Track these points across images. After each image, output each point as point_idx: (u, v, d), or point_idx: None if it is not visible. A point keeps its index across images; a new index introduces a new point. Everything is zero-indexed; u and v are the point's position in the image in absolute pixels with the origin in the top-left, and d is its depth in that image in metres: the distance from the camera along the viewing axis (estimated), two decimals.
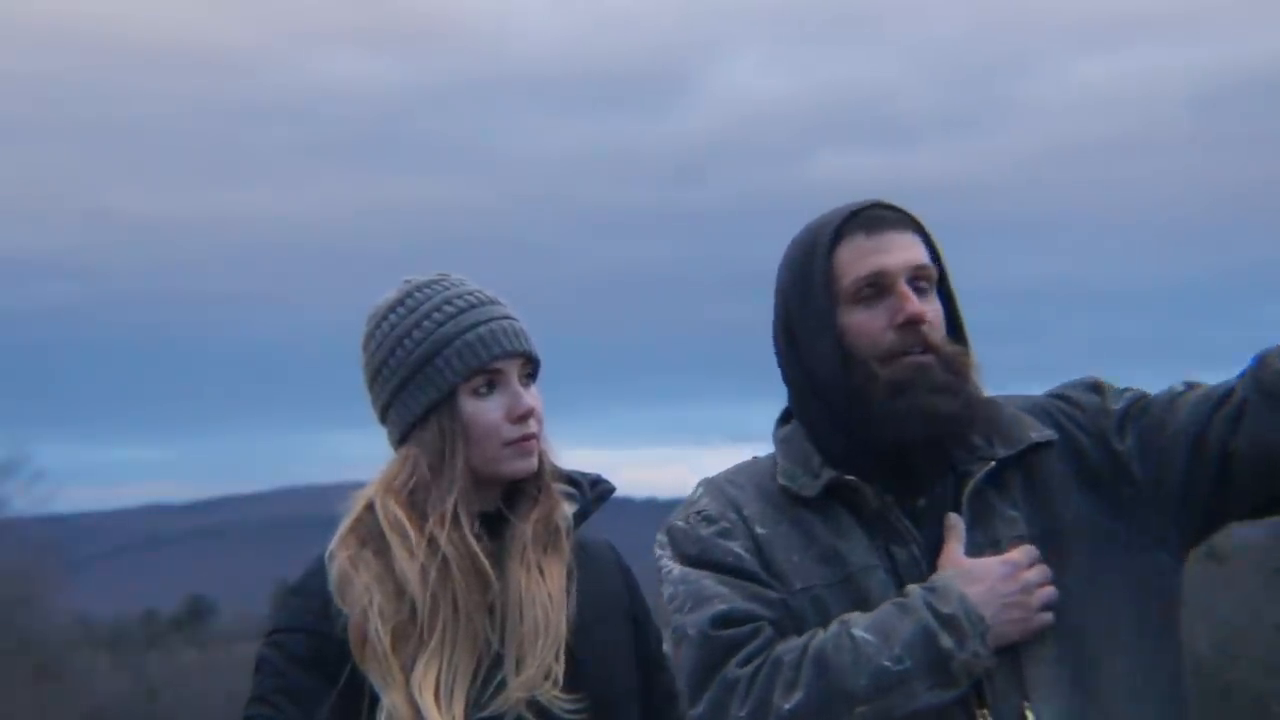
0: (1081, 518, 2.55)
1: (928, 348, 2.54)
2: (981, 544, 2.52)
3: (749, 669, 2.47)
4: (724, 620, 2.50)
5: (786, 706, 2.43)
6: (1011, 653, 2.48)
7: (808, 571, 2.54)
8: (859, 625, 2.47)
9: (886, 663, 2.43)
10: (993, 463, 2.55)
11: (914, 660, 2.43)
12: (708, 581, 2.53)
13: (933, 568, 2.51)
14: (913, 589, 2.49)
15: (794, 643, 2.49)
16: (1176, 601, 2.59)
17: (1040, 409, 2.64)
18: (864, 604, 2.50)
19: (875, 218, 2.59)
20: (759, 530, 2.57)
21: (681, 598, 2.53)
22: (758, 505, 2.59)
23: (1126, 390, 2.64)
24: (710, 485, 2.64)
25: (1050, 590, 2.49)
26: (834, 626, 2.49)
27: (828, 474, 2.55)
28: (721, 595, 2.52)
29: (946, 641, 2.43)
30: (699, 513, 2.60)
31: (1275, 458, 2.48)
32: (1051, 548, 2.52)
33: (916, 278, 2.57)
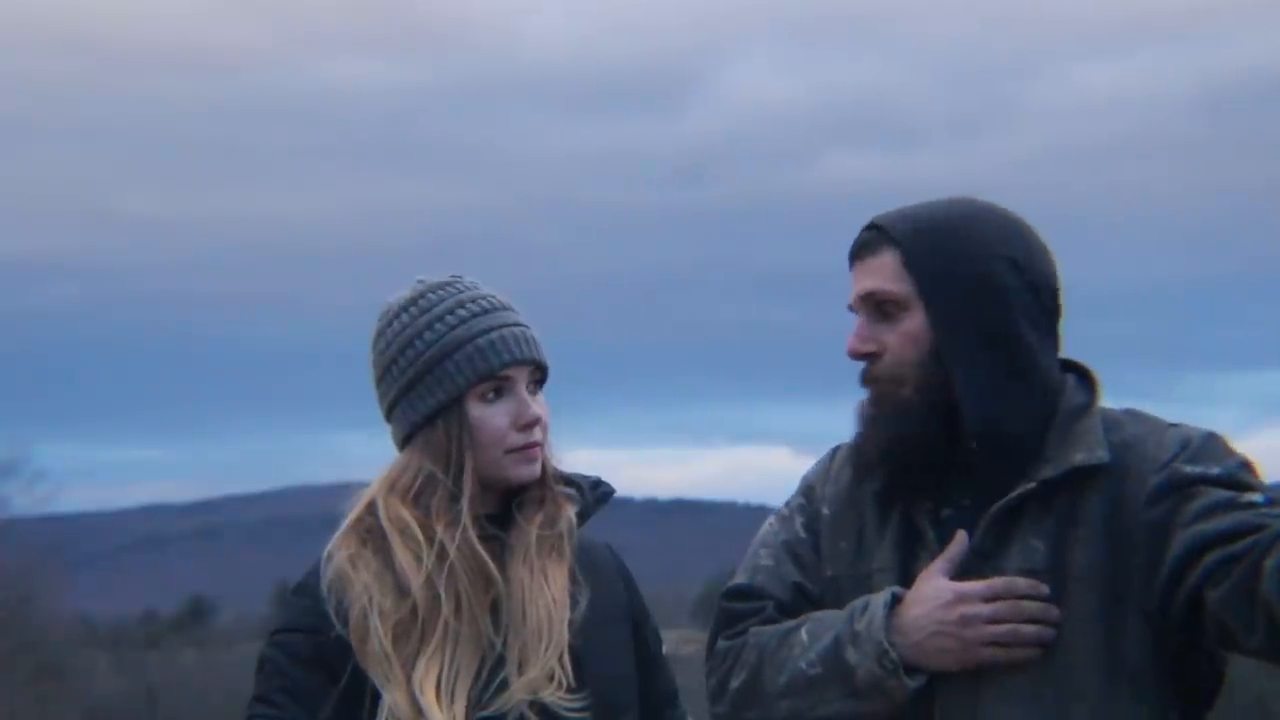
0: (1093, 565, 2.46)
1: (866, 380, 2.58)
2: (987, 569, 2.48)
3: (731, 644, 2.62)
4: (735, 593, 2.67)
5: (734, 686, 2.60)
6: (969, 683, 2.46)
7: (842, 560, 2.62)
8: (809, 624, 2.56)
9: (803, 665, 2.53)
10: (1031, 484, 2.48)
11: (824, 668, 2.51)
12: (763, 551, 2.67)
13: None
14: (858, 601, 2.52)
15: (771, 627, 2.59)
16: (1153, 675, 2.45)
17: (1122, 440, 2.50)
18: None
19: (856, 245, 2.60)
20: (824, 511, 2.66)
21: (746, 554, 2.69)
22: (841, 483, 2.66)
23: (1208, 462, 2.45)
24: (832, 451, 2.74)
25: (1000, 630, 2.43)
26: (800, 619, 2.58)
27: (887, 472, 2.59)
28: (757, 568, 2.66)
29: (851, 656, 2.48)
30: (804, 477, 2.74)
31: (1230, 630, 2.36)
32: (1056, 587, 2.46)
33: (874, 303, 2.55)
